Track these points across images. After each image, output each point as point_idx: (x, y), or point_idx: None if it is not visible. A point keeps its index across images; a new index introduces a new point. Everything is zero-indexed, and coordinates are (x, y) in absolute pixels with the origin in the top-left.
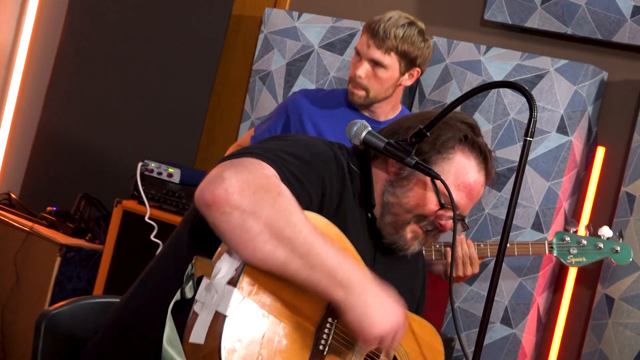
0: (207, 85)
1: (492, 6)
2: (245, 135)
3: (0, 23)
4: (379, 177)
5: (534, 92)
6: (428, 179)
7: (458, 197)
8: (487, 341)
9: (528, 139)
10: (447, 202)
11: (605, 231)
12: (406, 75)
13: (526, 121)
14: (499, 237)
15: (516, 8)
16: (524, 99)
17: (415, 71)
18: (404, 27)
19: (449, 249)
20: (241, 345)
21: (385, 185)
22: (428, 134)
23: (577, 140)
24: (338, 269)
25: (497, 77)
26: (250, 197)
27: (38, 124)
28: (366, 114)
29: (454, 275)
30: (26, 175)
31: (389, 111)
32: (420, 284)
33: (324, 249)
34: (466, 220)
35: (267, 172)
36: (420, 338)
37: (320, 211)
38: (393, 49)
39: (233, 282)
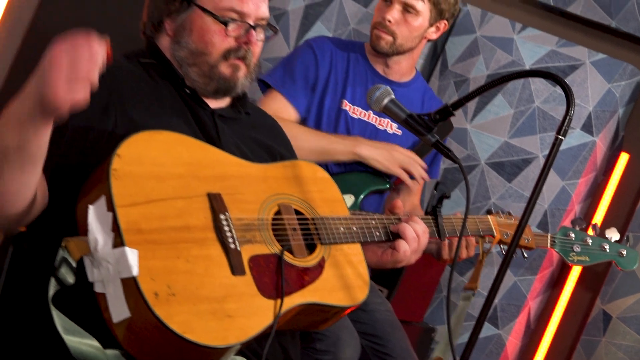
0: None
1: None
2: (273, 103)
3: None
4: (166, 46)
5: None
6: (202, 14)
7: (231, 3)
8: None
9: (560, 137)
10: (225, 16)
11: (613, 233)
12: (433, 28)
13: (551, 112)
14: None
15: None
16: (552, 88)
17: (443, 24)
18: None
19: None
20: (164, 287)
21: (171, 46)
22: (454, 113)
23: (601, 142)
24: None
25: (529, 60)
26: None
27: None
28: (380, 69)
29: (444, 257)
30: None
31: (405, 71)
32: (281, 141)
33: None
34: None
35: None
36: (309, 179)
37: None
38: None
39: (119, 242)
